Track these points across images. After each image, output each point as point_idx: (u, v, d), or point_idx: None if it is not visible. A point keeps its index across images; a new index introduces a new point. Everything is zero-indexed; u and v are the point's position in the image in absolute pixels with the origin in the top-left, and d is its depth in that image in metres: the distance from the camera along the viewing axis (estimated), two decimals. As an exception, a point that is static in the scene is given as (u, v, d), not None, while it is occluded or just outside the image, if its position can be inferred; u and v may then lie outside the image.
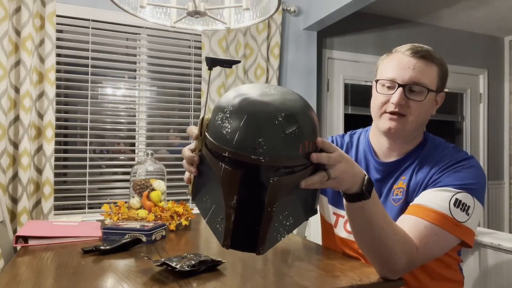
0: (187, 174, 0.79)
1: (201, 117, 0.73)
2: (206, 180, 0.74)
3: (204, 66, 2.47)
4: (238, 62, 0.85)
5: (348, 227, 1.08)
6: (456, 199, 0.90)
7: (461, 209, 0.89)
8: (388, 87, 1.01)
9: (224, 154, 0.66)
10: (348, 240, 1.10)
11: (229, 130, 0.66)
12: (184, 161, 0.77)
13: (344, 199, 0.83)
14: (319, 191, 0.78)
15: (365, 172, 0.81)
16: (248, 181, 0.67)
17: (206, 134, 0.71)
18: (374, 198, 0.81)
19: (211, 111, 0.72)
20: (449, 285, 1.07)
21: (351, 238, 1.08)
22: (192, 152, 0.75)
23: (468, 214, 0.90)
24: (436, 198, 0.92)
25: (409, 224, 0.90)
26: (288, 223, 0.70)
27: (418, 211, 0.91)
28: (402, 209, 1.00)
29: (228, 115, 0.67)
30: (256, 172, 0.67)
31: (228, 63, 0.83)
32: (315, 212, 0.77)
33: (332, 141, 1.22)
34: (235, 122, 0.66)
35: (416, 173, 1.02)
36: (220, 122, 0.68)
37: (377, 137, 1.10)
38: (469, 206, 0.90)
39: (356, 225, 0.85)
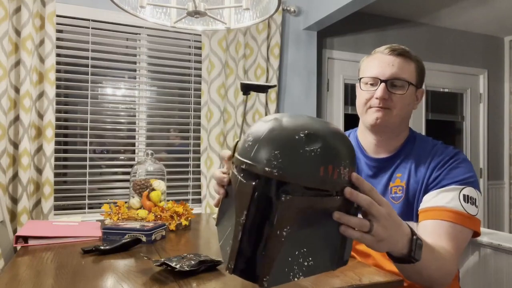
0: (216, 199, 0.77)
1: (236, 140, 0.74)
2: (230, 203, 0.71)
3: (204, 66, 2.48)
4: (273, 86, 0.84)
5: None
6: (464, 195, 0.96)
7: (470, 203, 0.95)
8: (371, 84, 1.06)
9: (242, 166, 0.64)
10: None
11: (251, 143, 0.64)
12: (214, 183, 0.76)
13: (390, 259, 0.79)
14: (351, 240, 0.66)
15: (412, 231, 0.74)
16: (261, 197, 0.63)
17: (236, 153, 0.69)
18: (423, 251, 0.76)
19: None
20: None
21: None
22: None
23: (476, 206, 0.96)
24: (446, 198, 0.96)
25: (436, 229, 0.93)
26: (306, 263, 0.62)
27: (438, 214, 0.95)
28: (403, 206, 1.03)
29: (254, 131, 0.66)
30: (269, 187, 0.63)
31: (262, 88, 0.81)
32: (344, 263, 0.67)
33: None
34: (257, 136, 0.64)
35: (415, 171, 1.04)
36: (246, 137, 0.67)
37: (364, 135, 1.13)
38: (475, 199, 0.97)
39: (404, 272, 0.85)
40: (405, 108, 1.06)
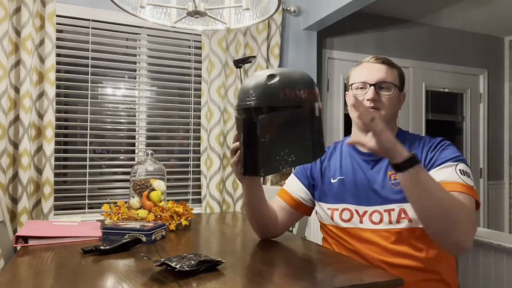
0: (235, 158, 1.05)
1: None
2: None
3: (204, 66, 2.48)
4: (253, 57, 1.16)
5: (344, 217, 1.19)
6: (459, 169, 1.07)
7: (466, 175, 1.06)
8: (361, 88, 1.20)
9: (236, 109, 0.97)
10: (348, 228, 1.18)
11: (241, 95, 0.96)
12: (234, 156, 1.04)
13: (399, 175, 0.96)
14: (322, 136, 0.97)
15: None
16: (249, 123, 0.92)
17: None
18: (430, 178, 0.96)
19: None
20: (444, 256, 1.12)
21: (348, 225, 1.17)
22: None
23: (471, 179, 1.07)
24: (445, 173, 1.07)
25: None
26: (289, 159, 0.92)
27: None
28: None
29: (243, 89, 0.96)
30: (251, 115, 0.92)
31: (248, 59, 1.15)
32: (321, 154, 0.97)
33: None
34: (243, 89, 0.96)
35: None
36: (238, 95, 0.98)
37: (359, 135, 1.18)
38: (469, 173, 1.08)
39: (417, 195, 0.96)
40: (392, 108, 1.19)
